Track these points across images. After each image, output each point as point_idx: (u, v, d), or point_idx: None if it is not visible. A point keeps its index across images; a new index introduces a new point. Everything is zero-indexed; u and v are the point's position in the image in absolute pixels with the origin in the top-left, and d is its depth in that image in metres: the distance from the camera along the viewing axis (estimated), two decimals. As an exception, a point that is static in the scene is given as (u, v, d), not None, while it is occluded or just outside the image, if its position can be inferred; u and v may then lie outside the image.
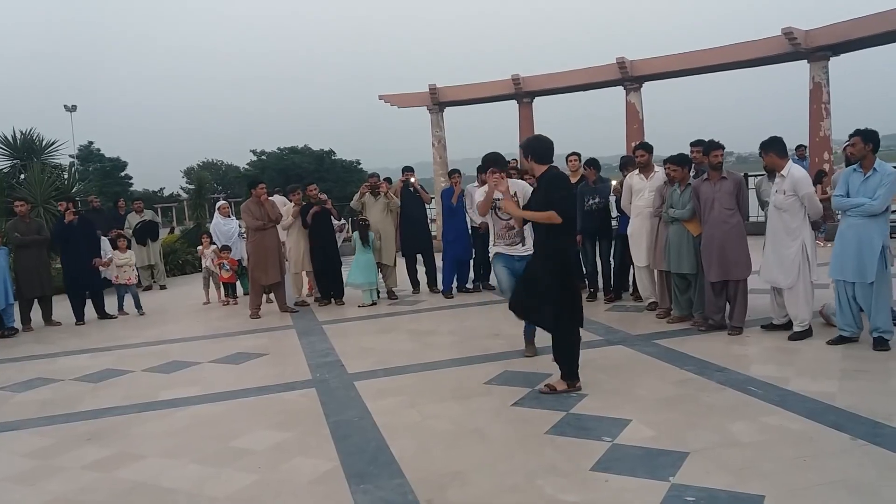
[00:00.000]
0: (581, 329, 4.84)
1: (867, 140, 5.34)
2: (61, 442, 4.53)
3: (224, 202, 11.17)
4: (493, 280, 9.51)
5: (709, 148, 6.21)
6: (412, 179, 9.31)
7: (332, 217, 9.26)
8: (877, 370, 4.84)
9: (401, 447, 3.99)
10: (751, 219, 7.46)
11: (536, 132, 19.50)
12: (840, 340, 5.50)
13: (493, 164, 5.53)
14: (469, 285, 9.40)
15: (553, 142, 4.99)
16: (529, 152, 4.93)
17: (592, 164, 8.16)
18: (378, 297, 9.21)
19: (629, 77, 17.51)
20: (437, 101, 19.96)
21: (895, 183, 5.21)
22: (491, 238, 5.87)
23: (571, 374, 4.78)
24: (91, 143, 44.83)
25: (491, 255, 5.90)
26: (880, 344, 5.30)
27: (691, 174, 6.60)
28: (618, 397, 4.59)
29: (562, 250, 4.76)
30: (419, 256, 9.63)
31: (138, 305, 9.43)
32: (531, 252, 5.32)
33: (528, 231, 5.62)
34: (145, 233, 12.04)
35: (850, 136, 5.52)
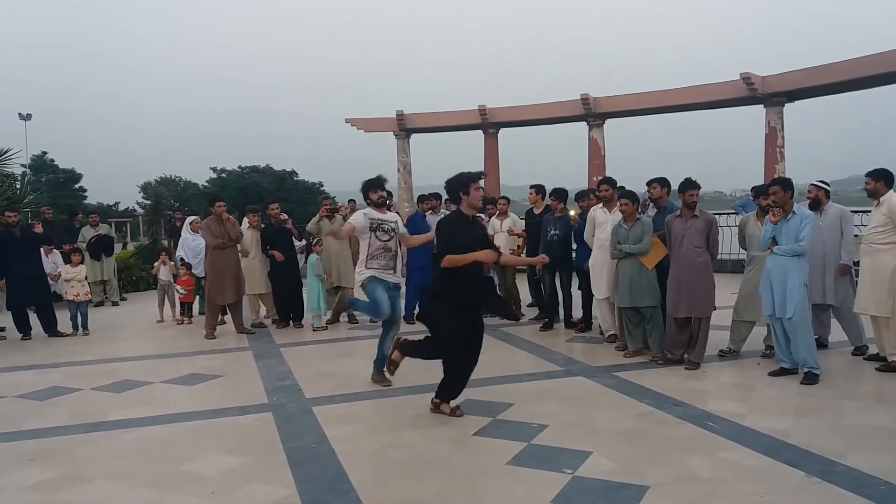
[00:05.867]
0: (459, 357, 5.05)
1: (786, 188, 5.75)
2: (1, 462, 4.33)
3: (196, 217, 10.92)
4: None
5: (684, 187, 6.32)
6: None
7: (293, 238, 9.16)
8: (830, 408, 4.95)
9: (359, 475, 3.91)
10: (729, 256, 7.57)
11: (501, 163, 19.83)
12: (781, 372, 5.82)
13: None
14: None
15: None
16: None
17: (558, 194, 8.24)
18: (339, 319, 9.16)
19: (592, 113, 17.90)
20: (404, 127, 20.08)
21: (815, 223, 5.71)
22: (361, 261, 5.82)
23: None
24: (45, 153, 43.67)
25: (362, 278, 5.79)
26: (808, 378, 5.56)
27: (639, 210, 6.81)
28: (578, 429, 4.59)
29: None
30: None
31: (84, 324, 9.04)
32: (399, 282, 5.89)
33: (398, 259, 5.89)
34: (100, 247, 11.70)
35: (769, 184, 6.09)
